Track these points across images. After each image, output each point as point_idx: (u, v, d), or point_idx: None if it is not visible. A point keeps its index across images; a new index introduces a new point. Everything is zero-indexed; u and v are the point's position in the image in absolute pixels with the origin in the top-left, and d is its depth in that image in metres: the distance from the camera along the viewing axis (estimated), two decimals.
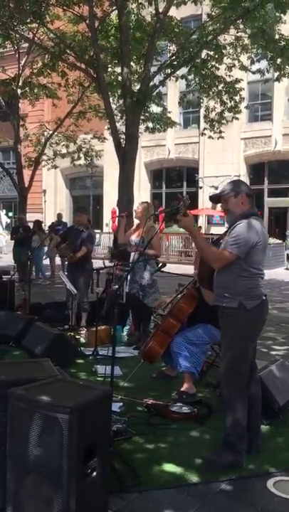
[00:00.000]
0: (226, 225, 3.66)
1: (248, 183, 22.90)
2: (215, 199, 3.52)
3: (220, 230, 17.02)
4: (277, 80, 11.75)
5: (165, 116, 14.11)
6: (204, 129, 13.24)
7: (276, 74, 11.57)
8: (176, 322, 4.55)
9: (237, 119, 13.04)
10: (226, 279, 3.29)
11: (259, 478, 3.09)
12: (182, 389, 4.45)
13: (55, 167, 18.30)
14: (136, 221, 6.51)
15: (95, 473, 2.49)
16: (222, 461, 3.18)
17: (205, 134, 13.27)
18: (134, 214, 6.90)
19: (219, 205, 3.57)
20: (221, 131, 12.86)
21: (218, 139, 13.05)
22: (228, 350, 3.33)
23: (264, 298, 3.32)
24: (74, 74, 14.23)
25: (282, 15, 9.92)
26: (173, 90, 21.14)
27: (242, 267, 3.23)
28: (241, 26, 10.74)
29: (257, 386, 3.51)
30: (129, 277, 6.08)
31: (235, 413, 3.24)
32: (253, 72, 12.33)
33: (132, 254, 6.36)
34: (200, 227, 22.60)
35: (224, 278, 3.30)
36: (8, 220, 26.22)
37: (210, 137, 13.19)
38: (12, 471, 2.51)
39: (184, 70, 11.96)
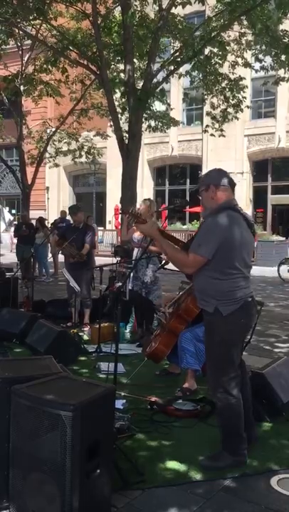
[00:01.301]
0: None
1: (251, 180, 23.05)
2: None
3: None
4: (276, 83, 11.76)
5: (168, 116, 14.06)
6: (206, 126, 13.21)
7: (280, 71, 11.53)
8: (183, 323, 4.53)
9: (237, 118, 12.99)
10: (201, 282, 3.09)
11: (262, 476, 3.08)
12: (185, 386, 4.45)
13: (57, 165, 18.27)
14: None
15: (98, 471, 2.49)
16: (223, 464, 3.14)
17: (207, 131, 13.24)
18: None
19: None
20: (222, 130, 12.83)
21: (219, 136, 13.03)
22: (210, 357, 3.20)
23: (249, 300, 3.08)
24: (76, 71, 14.20)
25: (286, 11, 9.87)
26: (176, 87, 21.08)
27: (213, 268, 2.98)
28: (245, 23, 10.69)
29: (245, 381, 3.39)
30: (132, 274, 6.08)
31: (227, 418, 3.17)
32: (256, 71, 12.31)
33: (135, 251, 6.35)
34: None
35: (199, 281, 3.11)
36: (12, 218, 26.24)
37: (212, 135, 13.16)
38: (15, 469, 2.51)
39: (187, 67, 11.93)
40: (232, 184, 3.19)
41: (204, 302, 3.11)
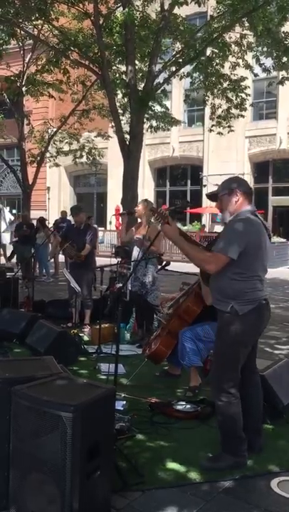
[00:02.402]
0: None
1: (252, 182, 23.01)
2: (212, 197, 3.39)
3: None
4: (281, 83, 11.76)
5: (169, 116, 14.07)
6: (212, 125, 13.23)
7: (281, 74, 11.53)
8: (183, 324, 4.53)
9: (243, 116, 13.03)
10: (219, 282, 3.17)
11: (263, 478, 3.08)
12: (192, 384, 4.48)
13: (57, 165, 18.28)
14: (139, 219, 6.52)
15: (98, 472, 2.49)
16: (223, 465, 3.14)
17: (213, 131, 13.27)
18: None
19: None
20: (230, 126, 12.88)
21: (228, 132, 13.06)
22: (218, 355, 3.26)
23: (263, 302, 3.17)
24: (77, 71, 14.18)
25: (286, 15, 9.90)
26: (178, 88, 21.09)
27: (234, 270, 3.08)
28: (246, 24, 10.71)
29: (257, 388, 3.45)
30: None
31: (226, 418, 3.18)
32: (256, 75, 12.33)
33: (134, 251, 6.34)
34: (204, 225, 22.60)
35: (217, 280, 3.19)
36: (12, 217, 26.21)
37: (219, 133, 13.18)
38: (15, 469, 2.51)
39: (188, 68, 11.93)
40: (249, 192, 3.31)
41: (221, 301, 3.18)
